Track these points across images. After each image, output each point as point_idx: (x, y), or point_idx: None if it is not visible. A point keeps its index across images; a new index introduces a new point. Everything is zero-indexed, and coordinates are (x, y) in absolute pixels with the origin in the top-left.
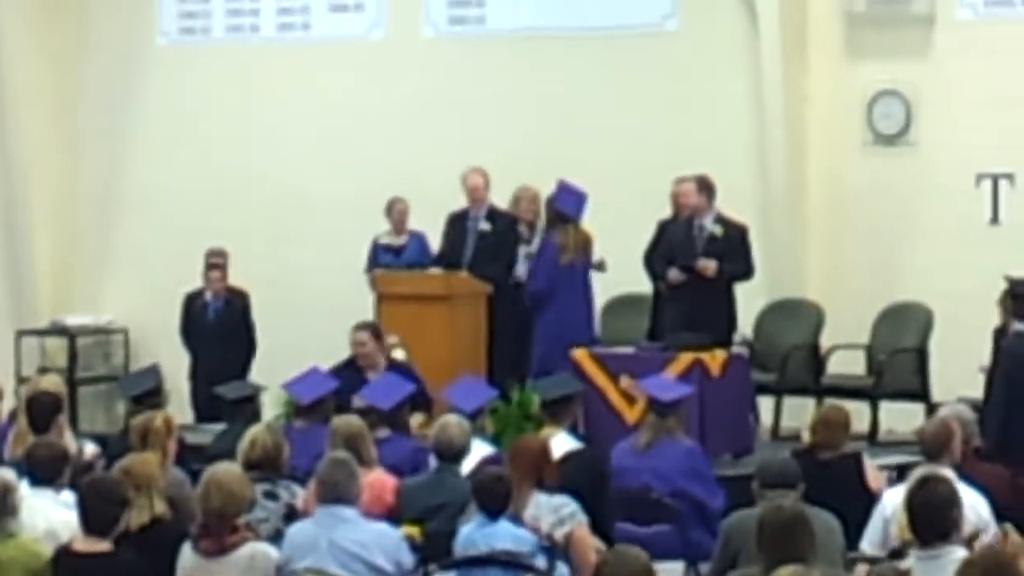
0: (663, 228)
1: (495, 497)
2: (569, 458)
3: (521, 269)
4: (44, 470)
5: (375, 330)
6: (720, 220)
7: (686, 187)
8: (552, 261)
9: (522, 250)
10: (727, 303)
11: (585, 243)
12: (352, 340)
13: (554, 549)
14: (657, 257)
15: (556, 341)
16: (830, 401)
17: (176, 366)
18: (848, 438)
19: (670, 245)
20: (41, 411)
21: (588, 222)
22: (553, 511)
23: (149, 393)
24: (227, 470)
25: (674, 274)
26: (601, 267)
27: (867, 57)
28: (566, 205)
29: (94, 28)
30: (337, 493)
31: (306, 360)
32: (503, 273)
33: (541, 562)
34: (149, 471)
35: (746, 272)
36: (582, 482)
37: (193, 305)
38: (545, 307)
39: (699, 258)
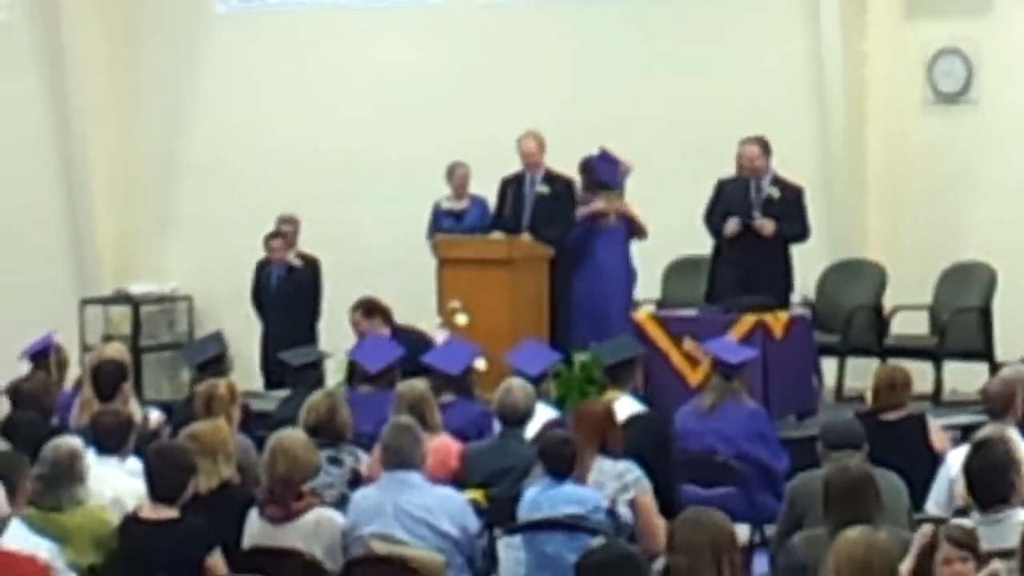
0: (721, 188)
1: (561, 459)
2: (632, 422)
3: None
4: (110, 438)
5: (367, 308)
6: (777, 181)
7: (751, 149)
8: (588, 226)
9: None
10: (784, 264)
11: (624, 210)
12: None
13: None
14: (716, 216)
15: (594, 307)
16: (893, 362)
17: (240, 333)
18: (911, 398)
19: (728, 205)
20: (107, 379)
21: (645, 186)
22: (617, 477)
23: (213, 360)
24: (292, 436)
25: (732, 226)
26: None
27: (927, 15)
28: (604, 174)
29: None
30: (402, 458)
31: None
32: (563, 236)
33: (605, 523)
34: (217, 437)
35: (802, 233)
36: (645, 446)
37: (262, 272)
38: (580, 272)
39: (756, 217)
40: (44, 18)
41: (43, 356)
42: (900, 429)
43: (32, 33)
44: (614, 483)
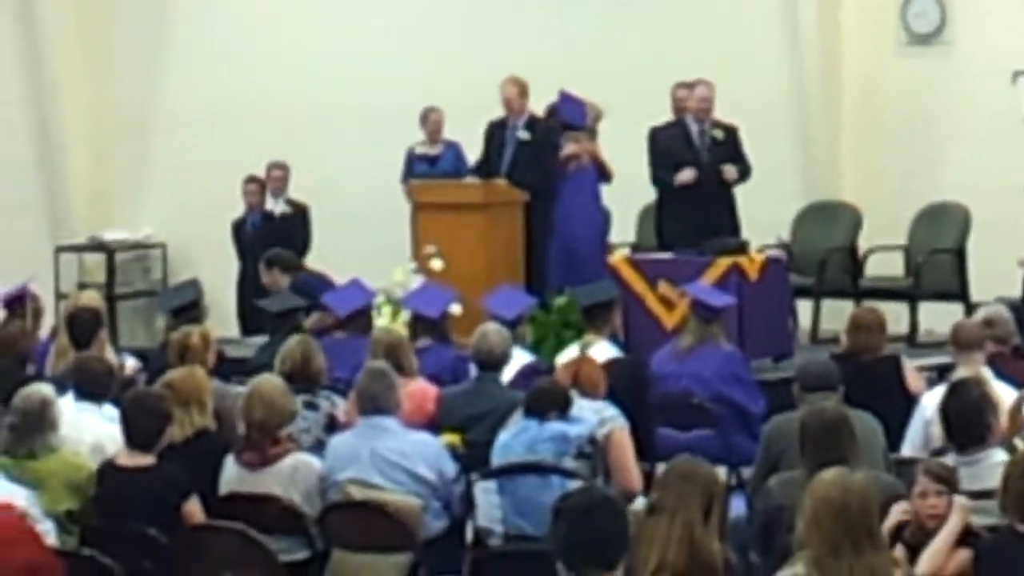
0: (655, 136)
1: (550, 402)
2: (609, 366)
3: None
4: (92, 384)
5: (266, 262)
6: (718, 123)
7: (705, 90)
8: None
9: None
10: (733, 208)
11: (594, 152)
12: None
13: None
14: (661, 165)
15: (568, 251)
16: (868, 303)
17: (215, 280)
18: (886, 340)
19: (671, 152)
20: (82, 327)
21: (619, 131)
22: (594, 412)
23: (188, 306)
24: (269, 382)
25: (687, 175)
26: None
27: None
28: (569, 116)
29: None
30: (376, 404)
31: (344, 270)
32: (541, 181)
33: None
34: (193, 385)
35: (748, 172)
36: (623, 390)
37: (243, 221)
38: (554, 216)
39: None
40: None
41: (18, 304)
42: (875, 370)
43: None
44: (591, 415)
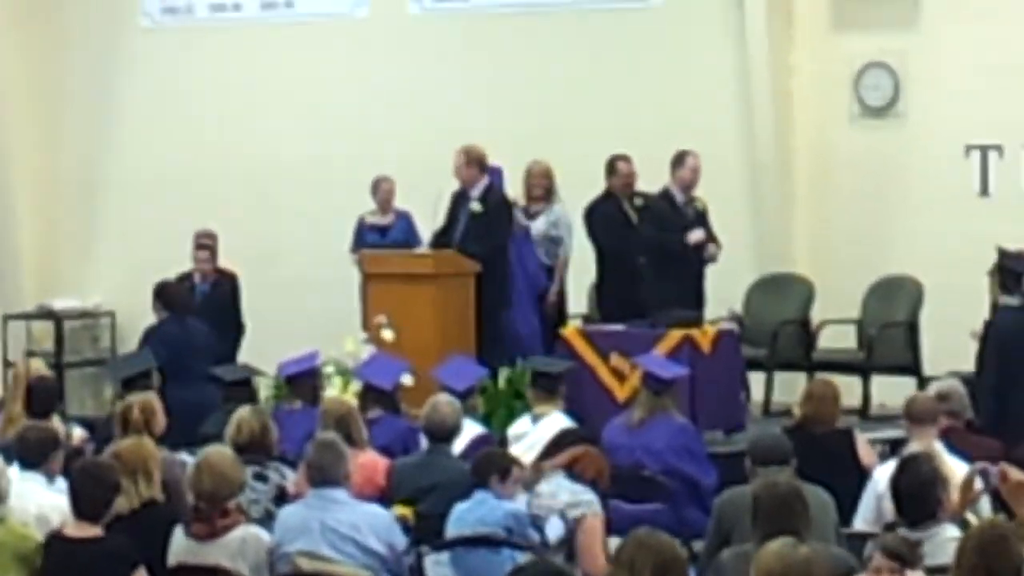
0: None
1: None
2: (562, 436)
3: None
4: (35, 453)
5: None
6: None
7: (697, 160)
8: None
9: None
10: (701, 278)
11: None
12: None
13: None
14: (646, 233)
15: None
16: (821, 376)
17: None
18: (840, 412)
19: (658, 220)
20: (42, 397)
21: (576, 197)
22: (572, 493)
23: (140, 376)
24: (218, 453)
25: (697, 235)
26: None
27: (854, 28)
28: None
29: (76, 10)
30: (326, 475)
31: (293, 339)
32: (491, 252)
33: (532, 534)
34: (140, 455)
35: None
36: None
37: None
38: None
39: (692, 231)
40: None
41: None
42: (828, 443)
43: None
44: (567, 496)
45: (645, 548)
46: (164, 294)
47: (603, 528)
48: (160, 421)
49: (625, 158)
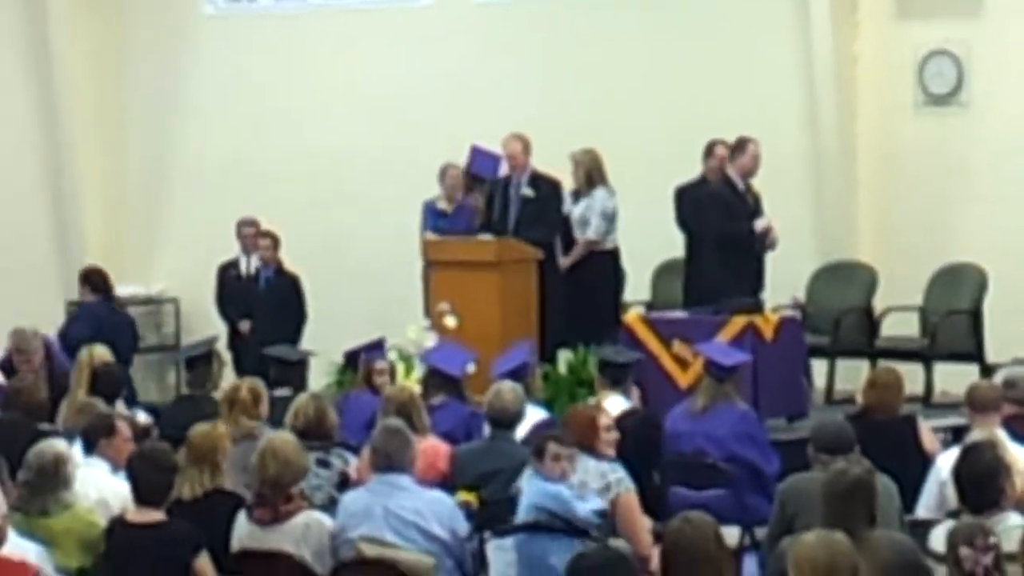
0: (692, 192)
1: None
2: (623, 418)
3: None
4: (98, 438)
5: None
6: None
7: (757, 147)
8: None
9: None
10: (762, 265)
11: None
12: None
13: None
14: (719, 218)
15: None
16: (884, 363)
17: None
18: (902, 400)
19: (721, 207)
20: (107, 382)
21: (635, 188)
22: (600, 476)
23: (202, 357)
24: (283, 439)
25: (764, 222)
26: None
27: (918, 16)
28: (482, 169)
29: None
30: (391, 461)
31: (356, 327)
32: (549, 237)
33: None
34: (210, 444)
35: None
36: (634, 442)
37: (227, 274)
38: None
39: (759, 218)
40: (31, 25)
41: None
42: (891, 431)
43: (19, 40)
44: (597, 482)
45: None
46: (90, 279)
47: (636, 499)
48: (266, 404)
49: (724, 143)
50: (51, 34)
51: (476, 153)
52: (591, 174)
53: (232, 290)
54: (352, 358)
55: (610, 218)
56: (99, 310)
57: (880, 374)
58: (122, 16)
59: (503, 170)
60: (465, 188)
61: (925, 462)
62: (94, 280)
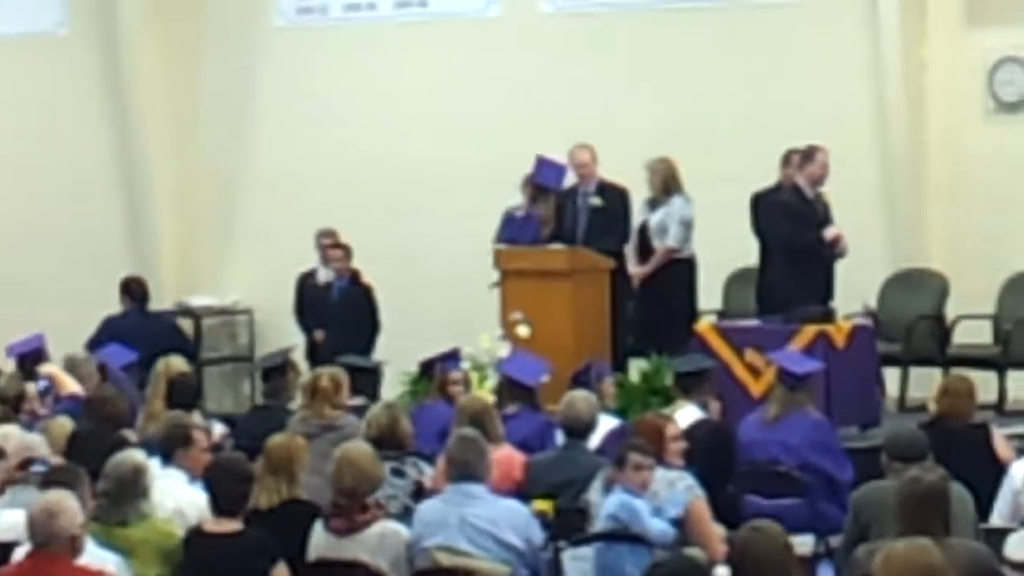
0: (766, 200)
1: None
2: (696, 428)
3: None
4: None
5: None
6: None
7: (826, 156)
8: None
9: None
10: (831, 273)
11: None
12: None
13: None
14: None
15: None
16: (956, 371)
17: (300, 346)
18: (975, 408)
19: (792, 214)
20: (183, 393)
21: (705, 197)
22: (669, 485)
23: (278, 368)
24: (358, 448)
25: (832, 231)
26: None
27: (987, 23)
28: (547, 179)
29: (211, 9)
30: (467, 470)
31: (431, 337)
32: (618, 246)
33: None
34: (287, 454)
35: None
36: (707, 452)
37: (306, 284)
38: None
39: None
40: (103, 33)
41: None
42: (964, 438)
43: (91, 48)
44: (667, 491)
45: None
46: (128, 289)
47: (707, 507)
48: (346, 393)
49: (800, 151)
50: (123, 46)
51: (541, 163)
52: (668, 182)
53: (310, 300)
54: (427, 368)
55: (688, 225)
56: (128, 320)
57: (952, 382)
58: (193, 29)
59: (569, 180)
60: (531, 198)
61: (999, 470)
62: (131, 289)
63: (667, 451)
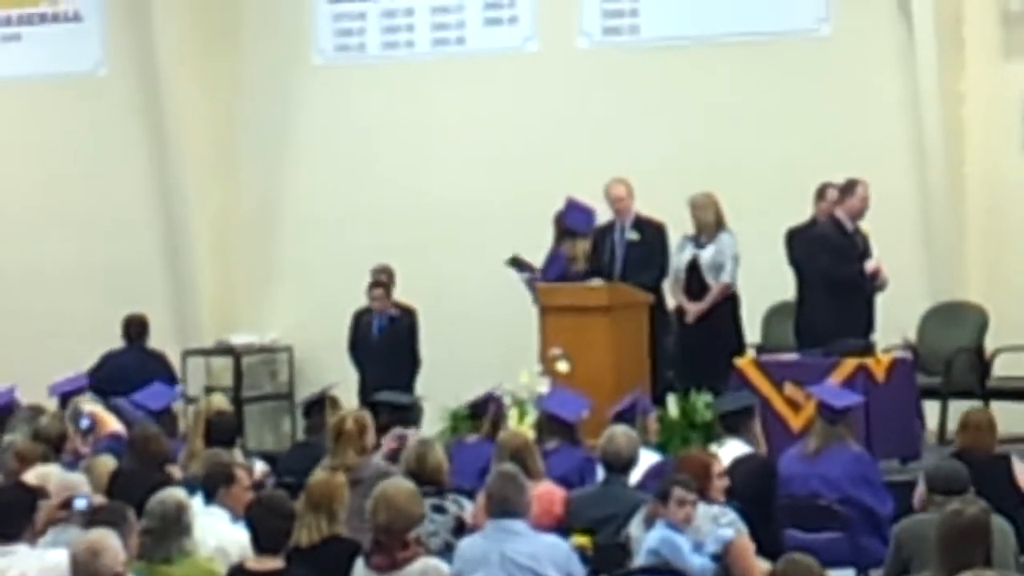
0: (806, 234)
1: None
2: (738, 464)
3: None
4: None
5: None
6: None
7: (867, 189)
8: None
9: (689, 253)
10: (872, 306)
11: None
12: None
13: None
14: (828, 260)
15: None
16: (996, 404)
17: (341, 383)
18: (996, 440)
19: (832, 248)
20: (221, 430)
21: (744, 230)
22: (712, 520)
23: (316, 403)
24: (396, 486)
25: (872, 264)
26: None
27: None
28: (576, 222)
29: (250, 48)
30: (506, 507)
31: (470, 375)
32: (656, 281)
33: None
34: (327, 491)
35: None
36: (749, 487)
37: (360, 322)
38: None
39: (868, 260)
40: (143, 72)
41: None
42: (985, 469)
43: (131, 86)
44: (709, 525)
45: (795, 572)
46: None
47: (750, 542)
48: (371, 435)
49: (835, 186)
50: (162, 86)
51: (570, 206)
52: (719, 217)
53: (361, 337)
54: (479, 407)
55: (738, 261)
56: (122, 359)
57: (972, 415)
58: (232, 67)
59: (606, 215)
60: (557, 237)
61: (1021, 501)
62: (128, 329)
63: (711, 488)
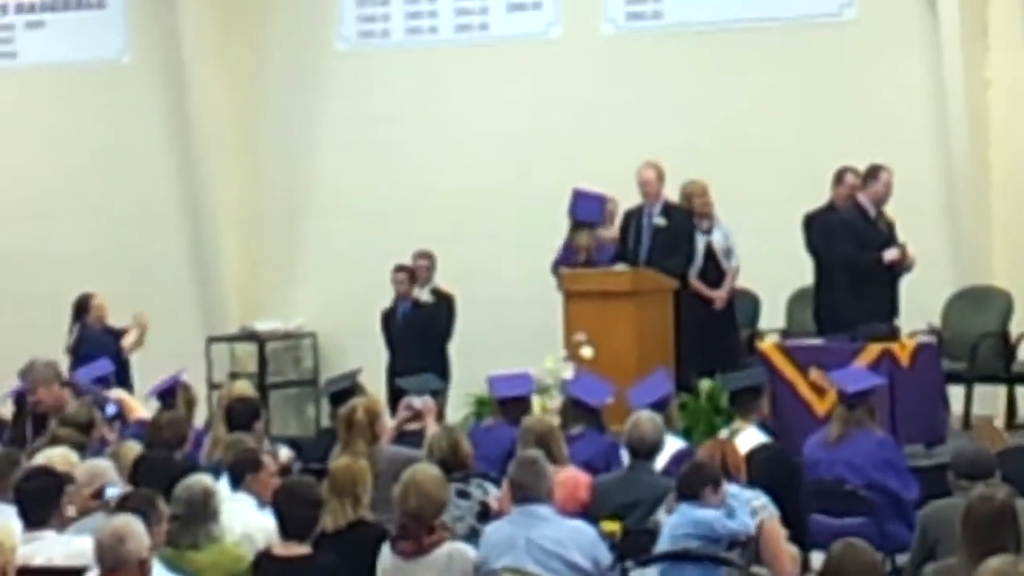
0: (824, 219)
1: (700, 482)
2: (756, 452)
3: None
4: (242, 471)
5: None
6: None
7: (890, 176)
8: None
9: (701, 240)
10: (895, 291)
11: (599, 241)
12: None
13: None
14: (849, 246)
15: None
16: (1022, 389)
17: (365, 369)
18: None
19: (854, 234)
20: (240, 418)
21: (768, 216)
22: (744, 501)
23: (345, 392)
24: (424, 471)
25: (893, 253)
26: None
27: None
28: (587, 213)
29: (274, 35)
30: (529, 492)
31: (494, 358)
32: (682, 267)
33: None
34: (351, 477)
35: None
36: (771, 476)
37: (393, 307)
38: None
39: (892, 246)
40: (166, 61)
41: (170, 395)
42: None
43: (155, 76)
44: (746, 517)
45: (853, 558)
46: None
47: (780, 527)
48: (384, 424)
49: (854, 170)
50: (186, 74)
51: (578, 197)
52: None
53: (390, 323)
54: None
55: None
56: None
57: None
58: (256, 54)
59: (635, 199)
60: (570, 230)
61: None
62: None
63: (734, 472)
